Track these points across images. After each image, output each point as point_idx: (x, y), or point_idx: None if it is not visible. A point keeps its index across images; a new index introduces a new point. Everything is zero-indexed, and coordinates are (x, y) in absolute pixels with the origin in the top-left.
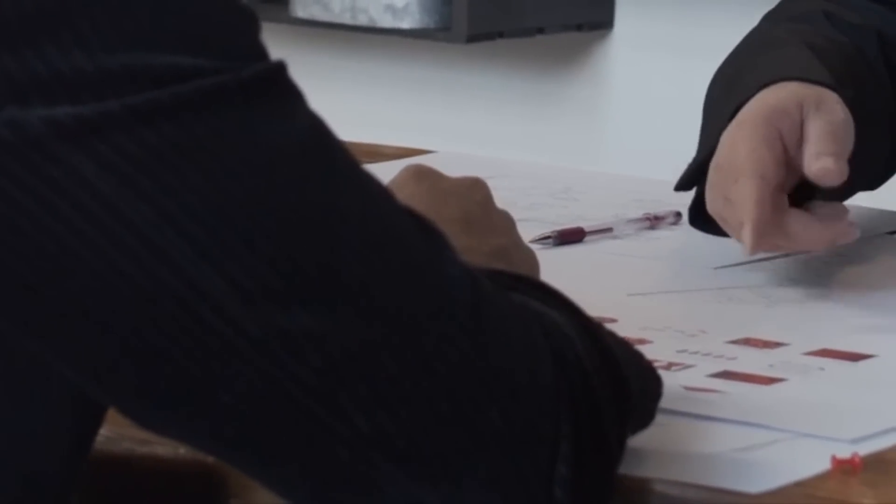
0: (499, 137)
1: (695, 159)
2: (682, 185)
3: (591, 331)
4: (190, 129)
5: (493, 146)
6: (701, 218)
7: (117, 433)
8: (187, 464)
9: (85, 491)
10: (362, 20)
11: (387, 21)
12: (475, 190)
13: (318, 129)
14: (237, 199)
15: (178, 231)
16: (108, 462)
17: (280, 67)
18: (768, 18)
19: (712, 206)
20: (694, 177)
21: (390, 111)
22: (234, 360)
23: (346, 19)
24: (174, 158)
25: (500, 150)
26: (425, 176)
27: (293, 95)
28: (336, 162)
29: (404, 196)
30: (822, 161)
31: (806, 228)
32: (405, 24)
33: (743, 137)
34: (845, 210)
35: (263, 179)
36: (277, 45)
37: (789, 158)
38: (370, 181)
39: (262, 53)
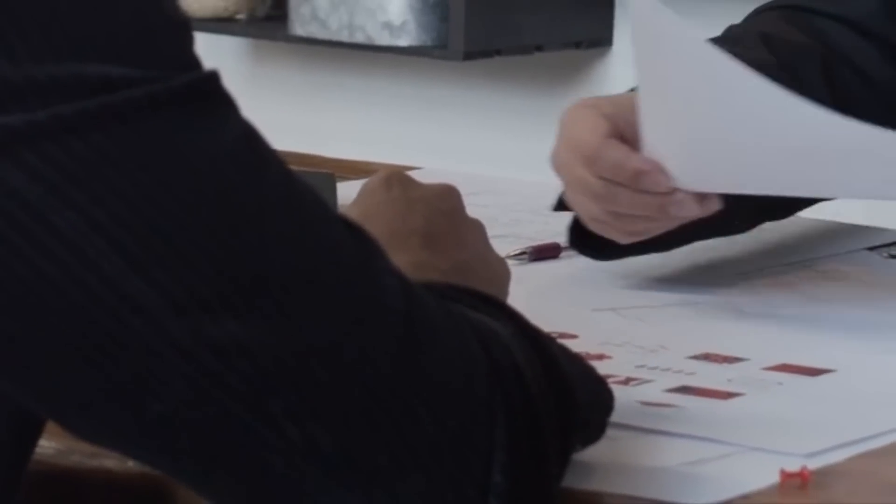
0: (497, 155)
1: None
2: (559, 205)
3: (537, 343)
4: (118, 139)
5: (491, 164)
6: (585, 241)
7: (66, 446)
8: (136, 477)
9: None
10: (360, 38)
11: (384, 39)
12: (444, 199)
13: (249, 139)
14: (166, 209)
15: (108, 240)
16: (56, 475)
17: (212, 77)
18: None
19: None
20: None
21: (388, 129)
22: (165, 369)
23: (344, 37)
24: (103, 168)
25: (498, 168)
26: (396, 182)
27: (224, 104)
28: (267, 172)
29: (372, 202)
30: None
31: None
32: (402, 42)
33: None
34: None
35: (193, 189)
36: (276, 63)
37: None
38: (303, 190)
39: (193, 63)
